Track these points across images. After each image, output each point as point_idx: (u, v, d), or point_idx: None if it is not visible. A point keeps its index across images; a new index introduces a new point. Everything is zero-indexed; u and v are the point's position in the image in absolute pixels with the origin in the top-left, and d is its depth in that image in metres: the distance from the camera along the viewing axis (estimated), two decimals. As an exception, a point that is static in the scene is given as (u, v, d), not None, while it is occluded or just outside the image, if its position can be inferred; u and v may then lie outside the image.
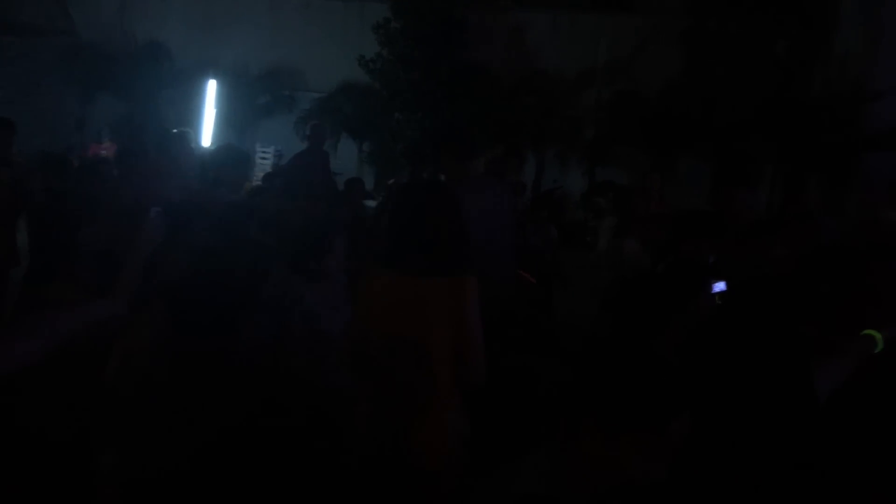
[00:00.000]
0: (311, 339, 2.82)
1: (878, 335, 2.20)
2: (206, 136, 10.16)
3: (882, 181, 9.02)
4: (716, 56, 10.23)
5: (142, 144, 5.73)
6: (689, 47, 10.60)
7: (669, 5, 11.31)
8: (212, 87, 10.77)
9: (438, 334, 2.37)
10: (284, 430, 2.50)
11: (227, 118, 11.25)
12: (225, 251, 2.66)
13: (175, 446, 2.24)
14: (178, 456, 2.24)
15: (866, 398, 2.24)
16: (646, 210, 6.40)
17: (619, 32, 11.79)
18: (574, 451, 1.65)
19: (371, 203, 6.72)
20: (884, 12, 9.46)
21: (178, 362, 2.31)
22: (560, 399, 2.26)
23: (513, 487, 1.74)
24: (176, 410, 2.23)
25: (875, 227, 6.66)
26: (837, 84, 9.61)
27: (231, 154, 3.72)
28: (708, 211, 3.88)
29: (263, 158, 11.43)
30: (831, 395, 2.17)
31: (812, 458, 2.06)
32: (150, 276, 2.11)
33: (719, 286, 3.34)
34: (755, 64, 10.11)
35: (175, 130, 4.93)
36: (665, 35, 10.95)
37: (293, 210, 3.90)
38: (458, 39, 11.40)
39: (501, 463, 2.03)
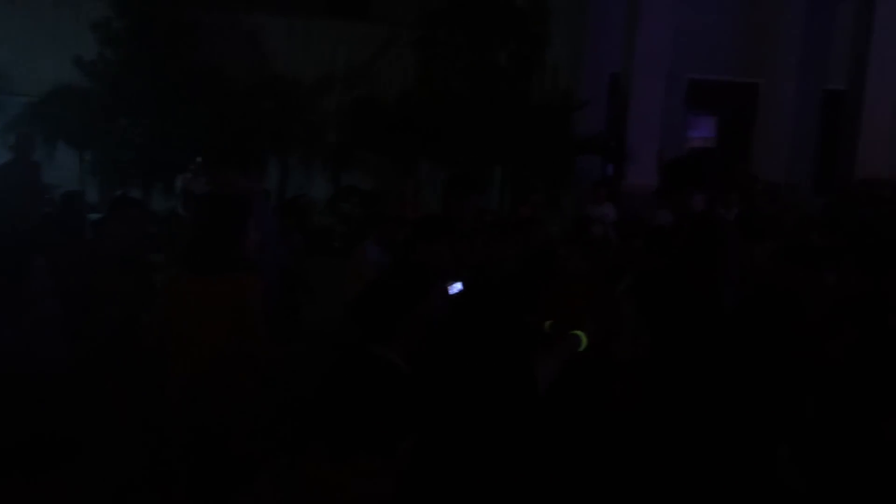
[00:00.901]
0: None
1: (582, 335, 2.46)
2: None
3: (588, 181, 10.17)
4: (446, 65, 10.80)
5: None
6: (422, 56, 11.08)
7: (403, 15, 11.74)
8: None
9: (223, 326, 2.68)
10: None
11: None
12: None
13: None
14: None
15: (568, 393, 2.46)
16: (398, 215, 6.57)
17: (355, 39, 12.00)
18: (300, 474, 1.64)
19: (95, 216, 6.17)
20: (585, 29, 10.65)
21: None
22: (291, 420, 2.23)
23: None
24: None
25: (584, 223, 7.43)
26: (551, 94, 10.62)
27: None
28: (440, 215, 4.09)
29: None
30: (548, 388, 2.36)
31: (534, 449, 2.20)
32: None
33: (455, 287, 3.51)
34: (482, 73, 10.84)
35: None
36: (400, 44, 11.36)
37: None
38: (188, 42, 10.86)
39: (231, 485, 1.97)
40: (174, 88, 10.60)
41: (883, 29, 10.43)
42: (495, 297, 3.30)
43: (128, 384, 2.88)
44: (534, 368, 2.34)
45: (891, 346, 2.81)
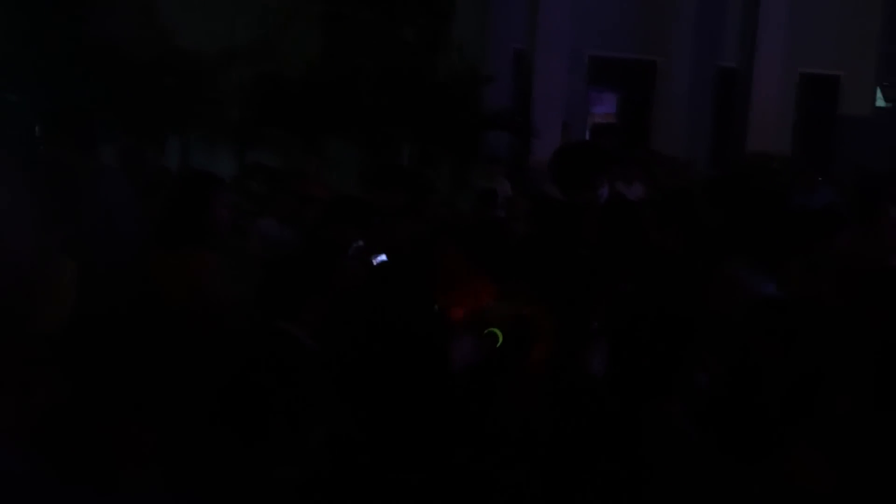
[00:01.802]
0: None
1: (499, 332, 2.51)
2: None
3: (494, 157, 10.31)
4: (353, 40, 10.67)
5: None
6: (328, 31, 10.90)
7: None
8: None
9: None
10: None
11: None
12: None
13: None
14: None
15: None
16: (304, 193, 6.48)
17: (257, 12, 11.67)
18: (213, 456, 1.63)
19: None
20: (489, 5, 10.72)
21: None
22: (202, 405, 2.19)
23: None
24: None
25: (487, 197, 7.50)
26: (457, 69, 10.66)
27: None
28: (357, 197, 4.09)
29: None
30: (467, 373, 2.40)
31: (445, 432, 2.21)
32: None
33: (380, 258, 3.52)
34: (389, 49, 10.77)
35: None
36: (304, 17, 11.12)
37: None
38: (76, 14, 10.31)
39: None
40: (62, 61, 10.06)
41: (770, 8, 10.96)
42: (406, 278, 3.30)
43: None
44: (446, 352, 2.36)
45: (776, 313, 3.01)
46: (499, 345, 2.56)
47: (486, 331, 2.59)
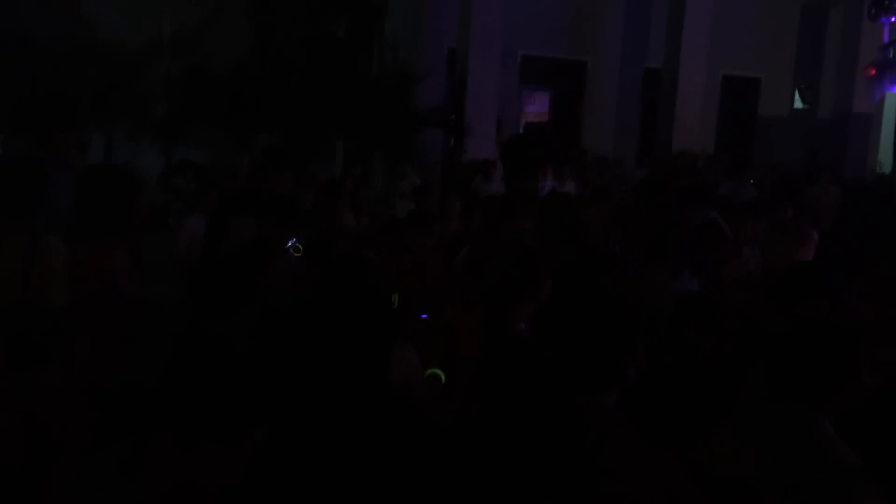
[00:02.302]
0: None
1: (440, 373, 2.52)
2: None
3: (429, 155, 10.33)
4: (281, 35, 10.50)
5: None
6: (255, 25, 10.71)
7: (236, -20, 11.23)
8: None
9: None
10: None
11: None
12: None
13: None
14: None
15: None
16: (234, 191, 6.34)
17: (183, 4, 11.37)
18: (145, 464, 1.57)
19: None
20: (422, 2, 10.72)
21: None
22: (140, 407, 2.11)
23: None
24: None
25: (423, 192, 7.49)
26: (390, 67, 10.63)
27: None
28: (285, 196, 4.03)
29: None
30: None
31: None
32: None
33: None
34: (319, 44, 10.63)
35: None
36: (232, 10, 10.88)
37: None
38: (-7, 2, 9.87)
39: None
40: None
41: (694, 12, 11.29)
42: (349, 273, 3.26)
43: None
44: (389, 357, 2.33)
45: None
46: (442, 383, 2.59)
47: (428, 371, 2.60)
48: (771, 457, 1.93)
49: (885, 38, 11.85)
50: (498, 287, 2.72)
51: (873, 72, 11.88)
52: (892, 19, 11.46)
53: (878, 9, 11.42)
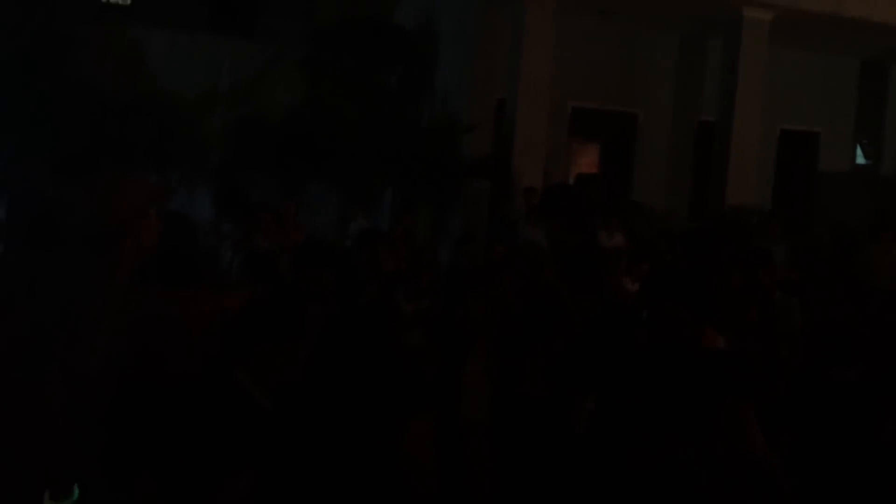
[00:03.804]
0: None
1: None
2: None
3: (476, 204, 10.28)
4: (333, 86, 10.70)
5: None
6: (309, 76, 10.95)
7: (289, 33, 11.55)
8: None
9: None
10: None
11: None
12: None
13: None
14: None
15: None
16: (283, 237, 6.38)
17: (239, 57, 11.73)
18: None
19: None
20: (473, 57, 10.83)
21: None
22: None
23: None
24: None
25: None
26: (440, 117, 10.70)
27: None
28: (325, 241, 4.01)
29: None
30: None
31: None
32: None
33: None
34: (370, 93, 10.80)
35: None
36: (286, 62, 11.17)
37: None
38: (60, 53, 10.32)
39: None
40: (44, 101, 10.03)
41: (748, 64, 11.11)
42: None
43: None
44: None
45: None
46: None
47: None
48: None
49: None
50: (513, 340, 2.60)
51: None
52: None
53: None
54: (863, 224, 11.01)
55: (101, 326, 1.93)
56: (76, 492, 1.83)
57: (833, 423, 2.46)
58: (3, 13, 9.93)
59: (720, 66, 11.74)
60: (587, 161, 13.17)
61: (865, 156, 13.75)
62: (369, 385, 2.29)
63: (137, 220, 2.18)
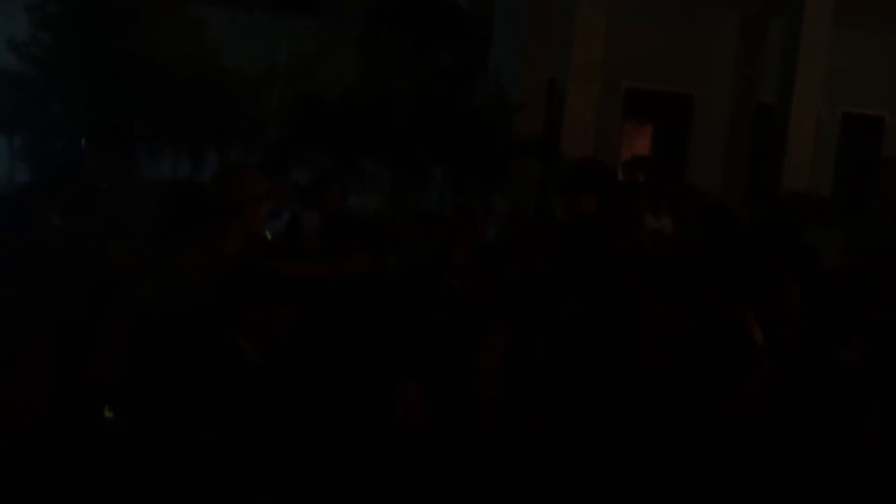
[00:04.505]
0: None
1: None
2: None
3: (525, 184, 10.30)
4: (389, 64, 10.84)
5: None
6: (365, 54, 11.10)
7: (349, 11, 11.71)
8: None
9: None
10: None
11: None
12: None
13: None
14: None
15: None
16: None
17: (298, 34, 11.95)
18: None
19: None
20: (526, 36, 10.80)
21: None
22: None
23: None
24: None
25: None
26: (491, 97, 10.74)
27: None
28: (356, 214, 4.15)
29: None
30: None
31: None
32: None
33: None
34: (425, 74, 10.91)
35: None
36: (343, 40, 11.35)
37: None
38: (128, 30, 10.70)
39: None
40: (110, 76, 10.42)
41: (809, 44, 10.80)
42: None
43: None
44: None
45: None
46: None
47: None
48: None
49: None
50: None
51: None
52: None
53: None
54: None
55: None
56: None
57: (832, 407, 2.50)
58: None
59: (781, 46, 11.44)
60: (641, 143, 13.03)
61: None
62: (381, 350, 2.43)
63: (250, 206, 2.61)
